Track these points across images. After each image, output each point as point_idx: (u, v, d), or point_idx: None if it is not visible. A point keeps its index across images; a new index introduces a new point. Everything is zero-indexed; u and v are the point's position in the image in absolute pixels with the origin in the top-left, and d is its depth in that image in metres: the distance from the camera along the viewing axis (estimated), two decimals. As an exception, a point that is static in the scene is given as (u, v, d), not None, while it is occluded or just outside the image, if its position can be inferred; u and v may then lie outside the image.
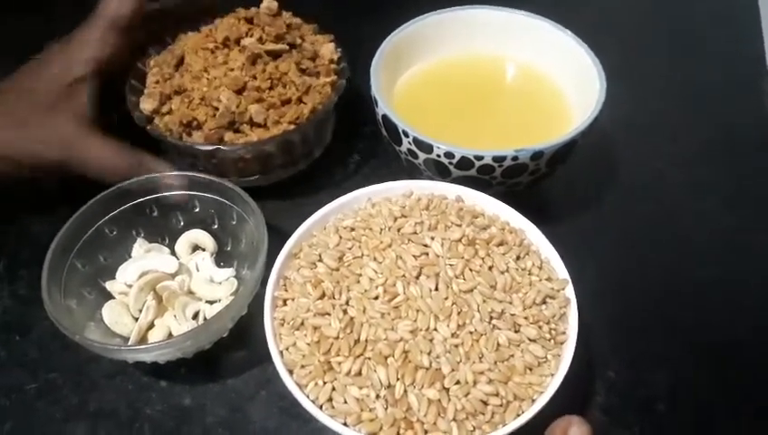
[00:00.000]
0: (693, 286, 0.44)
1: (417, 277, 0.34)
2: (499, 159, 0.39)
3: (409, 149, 0.42)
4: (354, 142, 0.54)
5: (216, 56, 0.47)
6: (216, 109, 0.45)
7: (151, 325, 0.40)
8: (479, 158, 0.39)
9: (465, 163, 0.40)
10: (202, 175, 0.42)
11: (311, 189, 0.51)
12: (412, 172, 0.47)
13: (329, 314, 0.33)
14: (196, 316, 0.41)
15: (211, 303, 0.42)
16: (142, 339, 0.40)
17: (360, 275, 0.35)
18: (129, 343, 0.38)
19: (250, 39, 0.47)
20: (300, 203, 0.50)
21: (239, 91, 0.45)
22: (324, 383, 0.31)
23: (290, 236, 0.46)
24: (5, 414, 0.39)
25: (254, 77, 0.46)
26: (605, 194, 0.50)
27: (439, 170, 0.42)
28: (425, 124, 0.42)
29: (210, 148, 0.43)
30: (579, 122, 0.45)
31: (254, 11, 0.50)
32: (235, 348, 0.41)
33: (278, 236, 0.47)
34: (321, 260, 0.36)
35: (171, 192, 0.43)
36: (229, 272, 0.43)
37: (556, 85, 0.48)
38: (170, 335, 0.40)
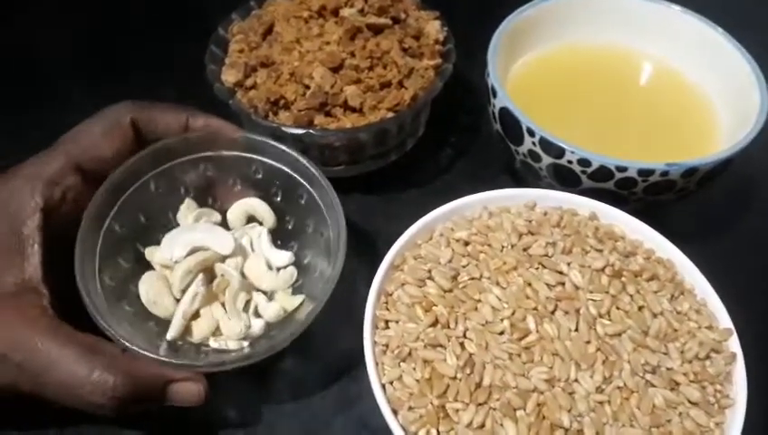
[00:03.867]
0: None
1: (553, 313, 0.28)
2: (645, 173, 0.33)
3: (531, 151, 0.36)
4: (447, 134, 0.48)
5: (309, 27, 0.42)
6: (307, 87, 0.40)
7: (196, 314, 0.34)
8: (622, 169, 0.33)
9: (602, 174, 0.34)
10: (271, 140, 0.36)
11: (399, 184, 0.45)
12: (523, 176, 0.40)
13: (443, 347, 0.28)
14: (246, 306, 0.35)
15: (265, 293, 0.36)
16: (186, 329, 0.34)
17: (480, 301, 0.29)
18: (170, 336, 0.33)
19: (350, 10, 0.42)
20: (387, 199, 0.45)
21: (335, 69, 0.40)
22: (439, 433, 0.26)
23: (376, 235, 0.41)
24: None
25: (353, 54, 0.40)
26: (750, 215, 0.43)
27: (565, 179, 0.36)
28: (540, 122, 0.36)
29: (299, 131, 0.38)
30: (727, 136, 0.38)
31: (355, -23, 0.44)
32: (307, 368, 0.36)
33: (363, 238, 0.42)
34: (431, 277, 0.30)
35: (232, 151, 0.37)
36: (288, 257, 0.37)
37: (700, 90, 0.41)
38: (218, 329, 0.34)
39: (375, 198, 0.44)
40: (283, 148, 0.36)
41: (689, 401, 0.26)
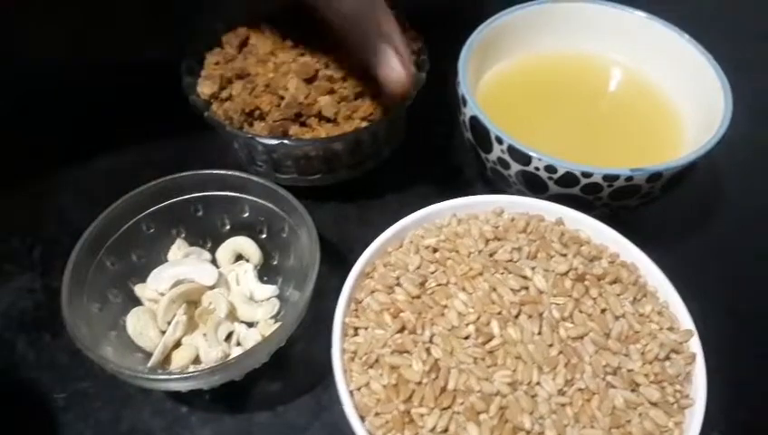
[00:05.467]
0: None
1: (517, 317, 0.29)
2: (611, 179, 0.34)
3: (500, 158, 0.37)
4: (423, 142, 0.49)
5: (285, 38, 0.42)
6: (282, 98, 0.40)
7: (178, 343, 0.36)
8: (587, 175, 0.34)
9: (568, 180, 0.34)
10: (256, 177, 0.37)
11: (375, 193, 0.46)
12: (495, 183, 0.41)
13: (409, 353, 0.28)
14: (228, 338, 0.36)
15: (248, 325, 0.37)
16: (166, 358, 0.35)
17: (446, 307, 0.30)
18: (150, 363, 0.34)
19: (324, 21, 0.42)
20: (363, 207, 0.45)
21: (309, 80, 0.40)
22: (403, 438, 0.26)
23: (351, 245, 0.42)
24: (29, 427, 0.35)
25: (327, 65, 0.41)
26: (715, 220, 0.43)
27: (533, 185, 0.36)
28: (511, 130, 0.37)
29: (274, 142, 0.39)
30: (692, 141, 0.39)
31: (328, -10, 0.44)
32: (278, 376, 0.36)
33: (338, 246, 0.42)
34: (399, 284, 0.31)
35: (220, 192, 0.38)
36: (271, 290, 0.38)
37: (667, 96, 0.42)
38: (197, 358, 0.35)
39: (351, 206, 0.45)
40: (267, 183, 0.37)
41: (649, 402, 0.27)
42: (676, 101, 0.42)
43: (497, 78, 0.43)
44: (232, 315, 0.37)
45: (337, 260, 0.41)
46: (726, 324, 0.36)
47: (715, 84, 0.39)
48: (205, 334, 0.35)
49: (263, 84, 0.41)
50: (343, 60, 0.41)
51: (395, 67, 0.35)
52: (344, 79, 0.41)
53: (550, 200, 0.35)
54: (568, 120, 0.42)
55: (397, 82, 0.35)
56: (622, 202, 0.36)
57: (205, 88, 0.41)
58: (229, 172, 0.38)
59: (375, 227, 0.35)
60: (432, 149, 0.48)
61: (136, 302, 0.37)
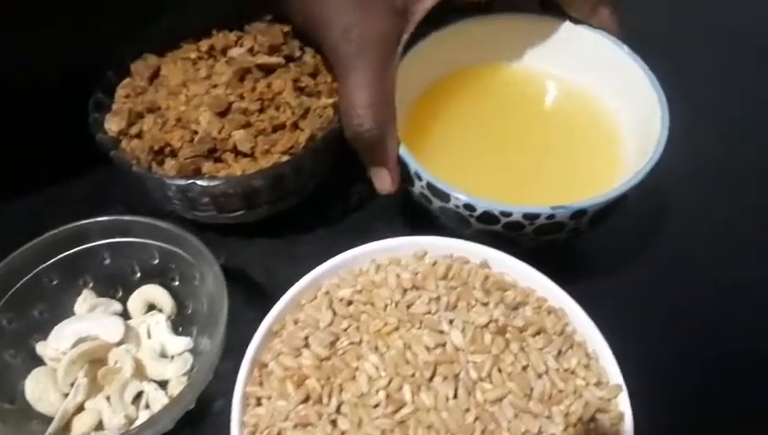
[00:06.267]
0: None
1: (431, 379, 0.27)
2: (531, 217, 0.32)
3: (422, 194, 0.35)
4: (357, 170, 0.46)
5: (197, 68, 0.40)
6: (195, 133, 0.38)
7: (81, 407, 0.33)
8: (506, 214, 0.32)
9: (488, 218, 0.32)
10: (162, 222, 0.35)
11: (304, 226, 0.43)
12: (424, 216, 0.39)
13: (313, 426, 0.26)
14: (137, 398, 0.33)
15: (159, 383, 0.34)
16: (67, 425, 0.32)
17: (357, 369, 0.27)
18: (48, 432, 0.31)
19: (239, 49, 0.40)
20: (291, 241, 0.43)
21: (222, 114, 0.38)
22: None
23: (279, 284, 0.39)
24: None
25: (242, 96, 0.38)
26: (652, 248, 0.42)
27: (457, 221, 0.34)
28: (440, 157, 0.35)
29: (184, 182, 0.36)
30: (631, 164, 0.37)
31: (245, 16, 0.42)
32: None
33: (265, 286, 0.40)
34: (307, 345, 0.28)
35: (128, 238, 0.36)
36: (185, 343, 0.35)
37: (608, 116, 0.40)
38: (101, 424, 0.32)
39: (279, 241, 0.43)
40: (172, 228, 0.35)
41: (572, 471, 0.25)
42: (614, 116, 0.40)
43: (425, 100, 0.41)
44: (141, 374, 0.34)
45: (265, 301, 0.38)
46: (660, 371, 0.34)
47: (651, 103, 0.37)
48: (108, 397, 0.33)
49: (174, 118, 0.38)
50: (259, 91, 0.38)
51: (385, 187, 0.37)
52: (261, 111, 0.38)
53: (475, 237, 0.33)
54: (502, 144, 0.40)
55: (382, 193, 0.37)
56: (549, 237, 0.34)
57: (112, 125, 0.39)
58: (134, 218, 0.35)
59: (304, 265, 0.33)
60: (363, 181, 0.46)
61: (39, 362, 0.34)
